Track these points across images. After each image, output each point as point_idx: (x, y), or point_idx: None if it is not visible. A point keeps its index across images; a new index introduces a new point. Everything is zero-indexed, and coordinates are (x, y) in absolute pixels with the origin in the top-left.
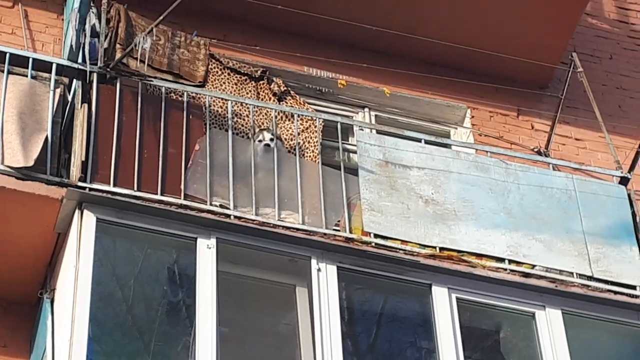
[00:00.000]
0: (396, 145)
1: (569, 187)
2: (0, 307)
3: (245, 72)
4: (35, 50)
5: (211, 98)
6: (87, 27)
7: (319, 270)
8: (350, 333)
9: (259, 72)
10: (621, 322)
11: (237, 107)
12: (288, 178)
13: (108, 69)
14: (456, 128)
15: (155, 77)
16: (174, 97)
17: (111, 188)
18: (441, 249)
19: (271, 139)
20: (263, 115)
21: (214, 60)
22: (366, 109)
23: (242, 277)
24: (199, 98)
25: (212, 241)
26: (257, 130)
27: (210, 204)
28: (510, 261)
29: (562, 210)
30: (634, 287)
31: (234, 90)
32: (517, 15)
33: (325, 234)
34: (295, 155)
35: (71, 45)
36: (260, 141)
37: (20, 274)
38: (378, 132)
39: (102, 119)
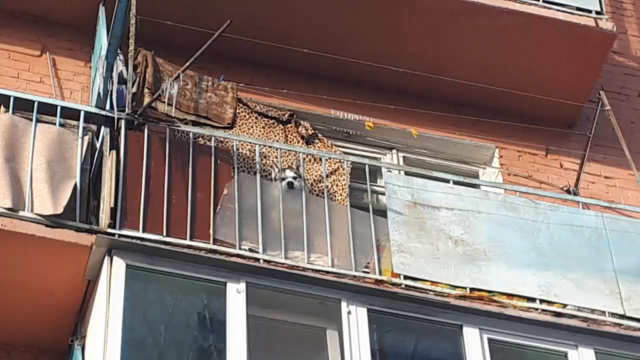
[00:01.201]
0: (424, 186)
1: (599, 225)
2: (31, 355)
3: (273, 115)
4: (64, 98)
5: (239, 142)
6: (115, 74)
7: (349, 312)
8: None
9: (286, 115)
10: None
11: (266, 150)
12: (317, 221)
13: (136, 116)
14: (485, 168)
15: (183, 121)
16: (202, 141)
17: (140, 234)
18: (472, 289)
19: (294, 177)
20: (291, 158)
21: (241, 105)
22: (394, 151)
23: (272, 321)
24: (227, 142)
25: (242, 285)
26: (278, 170)
27: (240, 248)
28: (542, 301)
29: (592, 248)
30: None
31: (262, 134)
32: (544, 55)
33: (354, 276)
34: (323, 198)
35: (99, 93)
36: (283, 179)
37: (51, 321)
38: (406, 173)
39: (130, 165)
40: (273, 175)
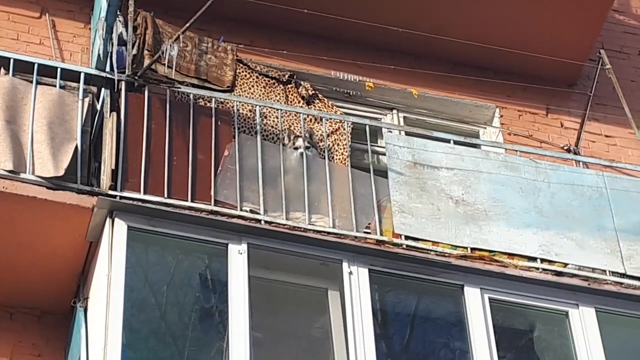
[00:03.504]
0: (425, 147)
1: (599, 184)
2: (34, 317)
3: (273, 76)
4: (64, 60)
5: (239, 103)
6: (114, 36)
7: (350, 273)
8: (383, 335)
9: (286, 76)
10: None
11: (266, 110)
12: (318, 181)
13: (136, 77)
14: (485, 128)
15: (183, 83)
16: (202, 103)
17: (141, 196)
18: (472, 249)
19: (307, 147)
20: (292, 118)
21: (241, 65)
22: (394, 111)
23: (273, 281)
24: (227, 103)
25: (243, 246)
26: (292, 136)
27: (241, 210)
28: (543, 260)
29: (593, 208)
30: None
31: (263, 94)
32: (544, 13)
33: (356, 237)
34: (324, 158)
35: (99, 54)
36: (295, 148)
37: (53, 283)
38: (407, 133)
39: (131, 127)
40: (285, 142)
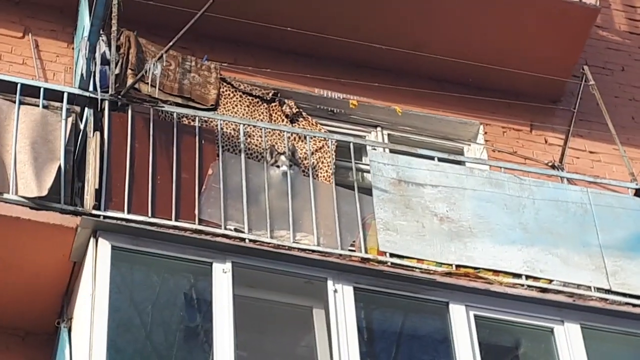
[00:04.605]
0: (409, 164)
1: (584, 200)
2: (18, 338)
3: (257, 94)
4: (47, 80)
5: (223, 122)
6: (98, 55)
7: (335, 291)
8: (369, 353)
9: (270, 94)
10: None
11: (250, 129)
12: (301, 199)
13: (119, 97)
14: (469, 145)
15: (166, 102)
16: (186, 122)
17: (125, 215)
18: (457, 266)
19: (289, 166)
20: (276, 136)
21: (225, 84)
22: (378, 128)
23: (258, 300)
24: (211, 122)
25: (228, 265)
26: (274, 153)
27: (225, 228)
28: (527, 277)
29: (577, 224)
30: None
31: (247, 113)
32: (528, 30)
33: (340, 254)
34: (308, 176)
35: (82, 74)
36: (277, 167)
37: (37, 303)
38: (391, 151)
39: (114, 146)
40: (267, 160)
